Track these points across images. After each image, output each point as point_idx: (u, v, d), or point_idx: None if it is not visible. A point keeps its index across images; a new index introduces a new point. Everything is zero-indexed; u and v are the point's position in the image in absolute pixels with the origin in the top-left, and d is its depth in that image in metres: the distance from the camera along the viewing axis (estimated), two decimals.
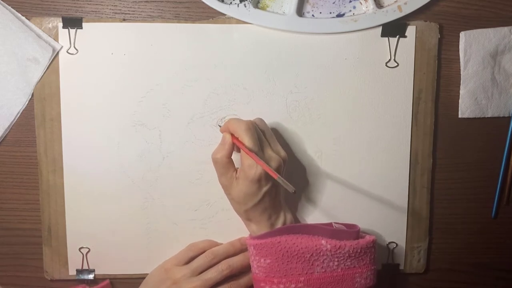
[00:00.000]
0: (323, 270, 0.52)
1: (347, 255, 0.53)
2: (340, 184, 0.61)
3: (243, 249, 0.59)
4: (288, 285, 0.52)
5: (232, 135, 0.53)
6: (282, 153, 0.54)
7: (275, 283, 0.52)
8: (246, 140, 0.51)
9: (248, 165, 0.51)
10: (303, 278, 0.52)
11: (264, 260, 0.52)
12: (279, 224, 0.55)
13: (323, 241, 0.52)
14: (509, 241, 0.64)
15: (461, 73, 0.60)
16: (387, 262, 0.62)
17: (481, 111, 0.61)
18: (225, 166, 0.53)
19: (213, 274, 0.56)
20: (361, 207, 0.61)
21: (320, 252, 0.52)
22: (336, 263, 0.53)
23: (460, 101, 0.60)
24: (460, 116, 0.61)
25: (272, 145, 0.54)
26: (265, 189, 0.52)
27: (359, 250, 0.53)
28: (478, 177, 0.63)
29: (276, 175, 0.48)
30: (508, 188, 0.63)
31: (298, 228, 0.53)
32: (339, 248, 0.52)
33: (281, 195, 0.55)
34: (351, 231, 0.54)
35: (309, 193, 0.61)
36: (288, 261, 0.52)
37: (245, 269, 0.58)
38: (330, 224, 0.57)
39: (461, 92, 0.60)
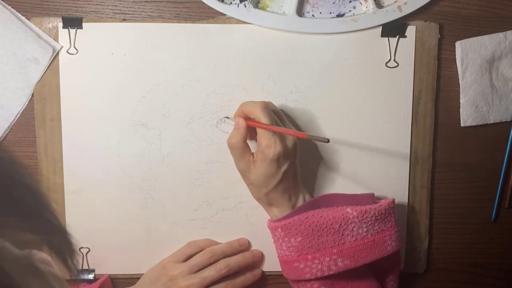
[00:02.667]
0: (354, 239, 0.53)
1: (373, 218, 0.53)
2: (340, 184, 0.60)
3: (241, 250, 0.59)
4: (322, 259, 0.52)
5: (246, 119, 0.53)
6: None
7: (310, 259, 0.52)
8: (264, 118, 0.51)
9: (267, 145, 0.51)
10: (335, 250, 0.52)
11: (295, 239, 0.53)
12: (300, 202, 0.55)
13: (348, 209, 0.53)
14: (509, 241, 0.64)
15: (460, 82, 0.60)
16: None
17: (483, 118, 0.61)
18: (242, 151, 0.52)
19: (210, 273, 0.56)
20: None
21: (348, 221, 0.52)
22: (365, 229, 0.53)
23: (461, 110, 0.60)
24: (462, 125, 0.61)
25: (285, 125, 0.55)
26: (284, 168, 0.52)
27: (383, 212, 0.54)
28: (478, 178, 0.63)
29: (304, 134, 0.48)
30: (510, 191, 0.62)
31: (320, 200, 0.54)
32: (365, 213, 0.53)
33: (298, 176, 0.55)
34: (369, 194, 0.55)
35: (309, 193, 0.61)
36: (318, 236, 0.52)
37: (242, 270, 0.58)
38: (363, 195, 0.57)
39: (461, 101, 0.60)
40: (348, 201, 0.55)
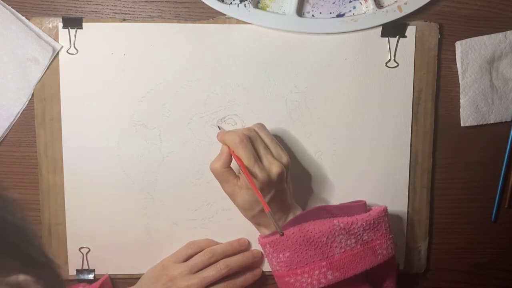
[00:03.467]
0: (343, 250, 0.53)
1: (361, 229, 0.53)
2: (340, 184, 0.61)
3: (241, 250, 0.59)
4: (312, 273, 0.52)
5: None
6: (285, 158, 0.53)
7: (299, 274, 0.52)
8: (240, 154, 0.51)
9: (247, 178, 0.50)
10: (324, 263, 0.52)
11: (283, 254, 0.53)
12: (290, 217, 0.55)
13: (335, 221, 0.53)
14: (509, 241, 0.64)
15: (460, 82, 0.60)
16: None
17: (483, 118, 0.61)
18: (225, 176, 0.53)
19: (210, 273, 0.56)
20: None
21: (335, 233, 0.52)
22: (353, 240, 0.53)
23: (461, 109, 0.60)
24: (462, 125, 0.61)
25: (273, 151, 0.53)
26: (269, 196, 0.52)
27: (372, 222, 0.53)
28: (478, 178, 0.63)
29: (268, 209, 0.48)
30: (510, 191, 0.62)
31: (307, 215, 0.53)
32: (352, 224, 0.53)
33: (288, 197, 0.55)
34: (358, 204, 0.55)
35: (309, 193, 0.61)
36: (306, 250, 0.52)
37: (242, 270, 0.58)
38: (355, 203, 0.57)
39: (461, 101, 0.60)
40: (338, 213, 0.54)
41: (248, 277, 0.59)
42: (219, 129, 0.58)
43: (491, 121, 0.61)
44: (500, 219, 0.64)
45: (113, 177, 0.59)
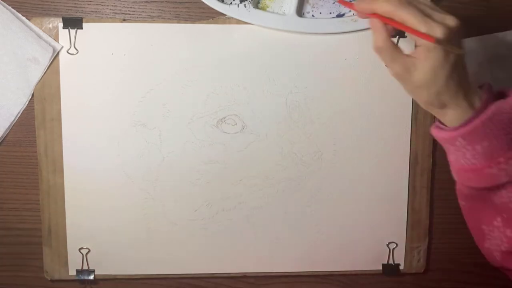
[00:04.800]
0: None
1: None
2: (340, 184, 0.61)
3: None
4: None
5: (382, 17, 0.45)
6: (453, 17, 0.45)
7: (503, 162, 0.45)
8: (404, 14, 0.43)
9: (426, 31, 0.43)
10: None
11: (481, 145, 0.45)
12: (476, 99, 0.46)
13: None
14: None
15: None
16: (387, 262, 0.62)
17: None
18: (393, 52, 0.45)
19: None
20: (361, 207, 0.61)
21: None
22: None
23: None
24: None
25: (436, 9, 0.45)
26: (452, 55, 0.44)
27: None
28: None
29: (433, 38, 0.41)
30: None
31: (488, 93, 0.46)
32: None
33: (467, 71, 0.47)
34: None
35: (309, 193, 0.61)
36: (508, 133, 0.44)
37: None
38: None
39: None
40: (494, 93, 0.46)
41: None
42: (219, 128, 0.57)
43: None
44: None
45: (113, 177, 0.59)
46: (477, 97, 0.46)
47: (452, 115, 0.46)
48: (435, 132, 0.48)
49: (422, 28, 0.42)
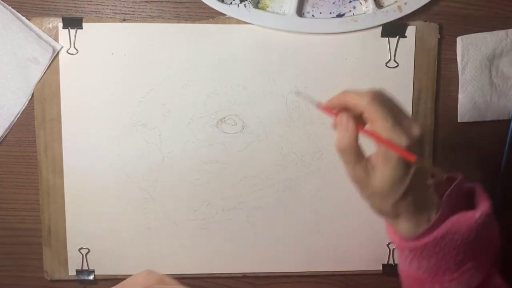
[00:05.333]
0: (485, 246, 0.43)
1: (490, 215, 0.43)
2: (340, 184, 0.60)
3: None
4: (461, 279, 0.43)
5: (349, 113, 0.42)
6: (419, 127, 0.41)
7: (447, 281, 0.43)
8: (375, 114, 0.39)
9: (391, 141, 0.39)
10: (471, 264, 0.43)
11: (428, 262, 0.43)
12: (433, 211, 0.42)
13: (477, 214, 0.42)
14: (509, 241, 0.64)
15: (459, 77, 0.60)
16: (388, 263, 0.62)
17: (480, 115, 0.61)
18: (357, 155, 0.41)
19: None
20: (361, 207, 0.61)
21: (477, 227, 0.42)
22: (490, 231, 0.44)
23: (459, 105, 0.60)
24: (459, 120, 0.61)
25: (402, 114, 0.41)
26: (413, 168, 0.40)
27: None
28: (478, 177, 0.63)
29: (413, 156, 0.38)
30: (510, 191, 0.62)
31: (451, 206, 0.43)
32: (487, 215, 0.42)
33: (429, 176, 0.43)
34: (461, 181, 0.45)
35: (309, 193, 0.61)
36: (456, 254, 0.42)
37: None
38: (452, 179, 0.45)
39: (459, 96, 0.60)
40: (459, 195, 0.44)
41: None
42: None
43: (489, 119, 0.61)
44: (500, 219, 0.63)
45: (113, 177, 0.59)
46: (434, 211, 0.42)
47: (405, 226, 0.43)
48: (388, 228, 0.46)
49: (389, 134, 0.39)
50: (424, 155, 0.42)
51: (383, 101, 0.40)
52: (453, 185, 0.44)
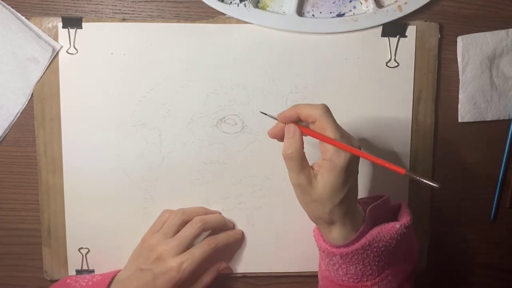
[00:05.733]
0: (403, 257, 0.49)
1: (410, 230, 0.49)
2: None
3: (210, 212, 0.59)
4: (381, 284, 0.48)
5: (299, 124, 0.47)
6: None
7: (369, 286, 0.48)
8: (326, 124, 0.44)
9: (335, 151, 0.44)
10: (389, 271, 0.48)
11: (355, 267, 0.47)
12: (360, 222, 0.48)
13: (397, 226, 0.47)
14: (509, 241, 0.64)
15: (460, 77, 0.60)
16: None
17: (481, 115, 0.61)
18: (302, 162, 0.45)
19: (187, 231, 0.55)
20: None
21: (397, 237, 0.47)
22: (407, 244, 0.49)
23: (459, 105, 0.60)
24: (460, 120, 0.61)
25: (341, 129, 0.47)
26: (352, 178, 0.45)
27: (411, 221, 0.49)
28: (478, 177, 0.63)
29: (403, 170, 0.42)
30: (511, 191, 0.62)
31: (370, 217, 0.47)
32: (408, 227, 0.48)
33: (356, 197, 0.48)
34: (386, 198, 0.50)
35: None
36: (379, 260, 0.47)
37: (219, 228, 0.58)
38: (376, 198, 0.51)
39: (460, 96, 0.60)
40: (387, 210, 0.50)
41: (230, 234, 0.58)
42: (219, 128, 0.58)
43: (489, 119, 0.61)
44: (499, 219, 0.64)
45: (113, 177, 0.59)
46: (361, 218, 0.47)
47: (337, 233, 0.46)
48: (317, 236, 0.49)
49: (339, 144, 0.44)
50: (357, 168, 0.47)
51: (331, 115, 0.45)
52: (379, 201, 0.49)
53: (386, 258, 0.47)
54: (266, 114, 0.51)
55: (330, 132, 0.44)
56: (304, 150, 0.46)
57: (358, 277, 0.47)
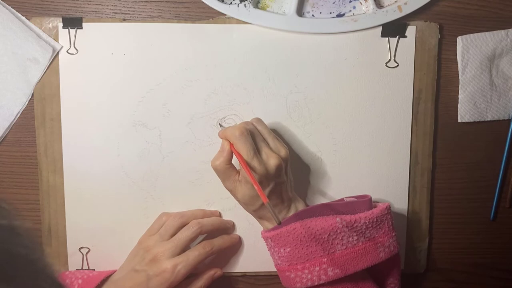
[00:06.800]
0: (344, 247, 0.53)
1: (364, 227, 0.53)
2: (340, 184, 0.60)
3: (211, 216, 0.59)
4: (312, 269, 0.52)
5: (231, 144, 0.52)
6: (283, 151, 0.53)
7: (300, 269, 0.53)
8: (240, 147, 0.50)
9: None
10: (325, 259, 0.52)
11: (284, 249, 0.53)
12: (294, 211, 0.55)
13: (337, 219, 0.53)
14: (509, 241, 0.64)
15: (459, 77, 0.60)
16: None
17: (481, 115, 0.61)
18: (226, 172, 0.52)
19: (183, 234, 0.56)
20: None
21: (337, 230, 0.52)
22: (355, 238, 0.53)
23: (459, 105, 0.60)
24: (459, 120, 0.61)
25: (271, 144, 0.53)
26: (268, 188, 0.52)
27: (375, 219, 0.54)
28: (478, 177, 0.63)
29: (266, 200, 0.47)
30: (510, 191, 0.62)
31: (310, 211, 0.53)
32: (355, 222, 0.53)
33: (288, 190, 0.55)
34: (363, 201, 0.55)
35: (308, 193, 0.61)
36: (307, 246, 0.52)
37: (217, 231, 0.59)
38: (341, 200, 0.57)
39: (460, 96, 0.60)
40: (341, 209, 0.54)
41: (226, 239, 0.59)
42: (221, 127, 0.58)
43: (489, 119, 0.61)
44: (499, 219, 0.64)
45: (113, 177, 0.59)
46: (293, 210, 0.55)
47: (267, 224, 0.55)
48: (261, 233, 0.56)
49: (250, 162, 0.50)
50: (286, 172, 0.54)
51: (250, 134, 0.51)
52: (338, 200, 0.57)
53: (317, 245, 0.52)
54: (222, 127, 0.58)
55: (243, 154, 0.50)
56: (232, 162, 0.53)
57: (288, 260, 0.53)
